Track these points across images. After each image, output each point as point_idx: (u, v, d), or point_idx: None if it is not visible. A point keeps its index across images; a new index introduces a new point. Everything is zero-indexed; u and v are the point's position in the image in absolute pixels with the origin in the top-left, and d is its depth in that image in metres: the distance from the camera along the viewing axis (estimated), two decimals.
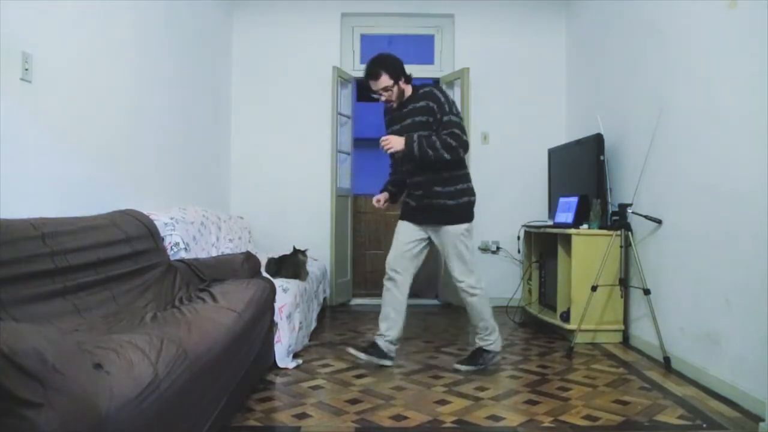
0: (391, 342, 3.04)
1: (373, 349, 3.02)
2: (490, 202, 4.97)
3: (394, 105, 2.99)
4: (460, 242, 2.97)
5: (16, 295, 1.78)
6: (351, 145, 5.19)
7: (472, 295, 2.99)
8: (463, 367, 2.98)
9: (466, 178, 3.04)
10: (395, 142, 2.85)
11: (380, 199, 3.16)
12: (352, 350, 3.04)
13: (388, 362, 3.01)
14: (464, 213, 3.01)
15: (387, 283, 3.07)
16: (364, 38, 5.23)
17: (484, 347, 3.01)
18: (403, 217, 3.11)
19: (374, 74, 2.90)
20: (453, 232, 2.96)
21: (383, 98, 2.96)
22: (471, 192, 3.04)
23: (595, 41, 4.40)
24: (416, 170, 2.98)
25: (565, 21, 5.04)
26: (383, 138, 2.89)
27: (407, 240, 3.05)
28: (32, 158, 2.26)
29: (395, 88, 2.93)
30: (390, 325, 3.03)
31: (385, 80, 2.89)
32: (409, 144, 2.83)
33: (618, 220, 3.39)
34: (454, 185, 2.96)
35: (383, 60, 2.93)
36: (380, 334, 3.05)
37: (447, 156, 2.82)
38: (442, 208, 2.95)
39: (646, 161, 3.31)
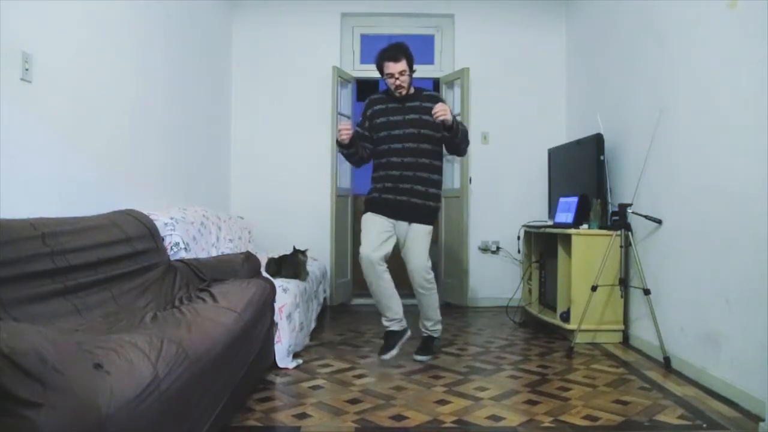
0: (402, 318, 3.16)
1: (399, 336, 3.12)
2: (490, 202, 4.99)
3: (403, 93, 3.07)
4: (428, 239, 3.14)
5: (16, 295, 1.78)
6: None
7: (430, 289, 3.17)
8: (422, 357, 3.16)
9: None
10: (446, 111, 2.89)
11: (348, 128, 3.03)
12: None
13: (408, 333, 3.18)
14: (437, 215, 3.26)
15: (384, 276, 3.05)
16: (364, 38, 5.23)
17: (434, 335, 3.27)
18: (372, 210, 3.13)
19: (396, 57, 3.00)
20: (425, 230, 3.13)
21: (398, 82, 3.01)
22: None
23: (595, 41, 4.40)
24: (409, 165, 3.06)
25: (565, 21, 5.04)
26: (441, 107, 2.89)
27: (381, 230, 3.08)
28: (32, 158, 2.26)
29: (408, 77, 3.06)
30: (398, 306, 3.13)
31: (403, 65, 3.01)
32: (454, 119, 2.98)
33: (618, 220, 3.39)
34: (438, 189, 3.17)
35: (404, 46, 3.06)
36: (396, 320, 3.13)
37: (464, 149, 3.18)
38: (424, 208, 3.11)
39: (646, 161, 3.31)
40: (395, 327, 3.12)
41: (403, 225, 3.10)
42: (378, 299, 3.11)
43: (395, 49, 3.02)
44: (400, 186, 3.07)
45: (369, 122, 3.17)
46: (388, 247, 3.08)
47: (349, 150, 3.11)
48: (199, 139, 4.23)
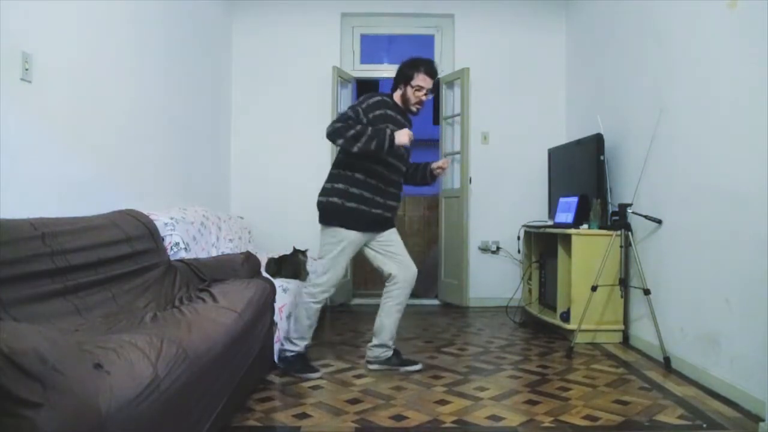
0: None
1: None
2: (490, 202, 4.99)
3: (420, 110, 2.99)
4: None
5: (16, 295, 1.78)
6: None
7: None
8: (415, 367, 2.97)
9: None
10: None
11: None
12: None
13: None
14: None
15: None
16: (364, 38, 5.23)
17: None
18: (353, 226, 2.85)
19: (434, 74, 2.95)
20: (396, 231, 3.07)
21: (423, 98, 2.94)
22: None
23: (595, 41, 4.40)
24: (396, 184, 2.98)
25: (565, 21, 5.04)
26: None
27: (352, 255, 2.96)
28: (32, 158, 2.26)
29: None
30: None
31: (432, 84, 2.96)
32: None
33: (618, 220, 3.39)
34: None
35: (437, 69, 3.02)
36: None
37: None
38: (396, 210, 3.06)
39: (646, 161, 3.31)
40: None
41: (371, 234, 2.95)
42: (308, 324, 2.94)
43: (434, 66, 2.93)
44: (388, 202, 2.94)
45: (372, 123, 2.81)
46: None
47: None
48: (199, 139, 4.23)
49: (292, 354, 2.90)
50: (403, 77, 2.94)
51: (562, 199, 4.07)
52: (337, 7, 5.05)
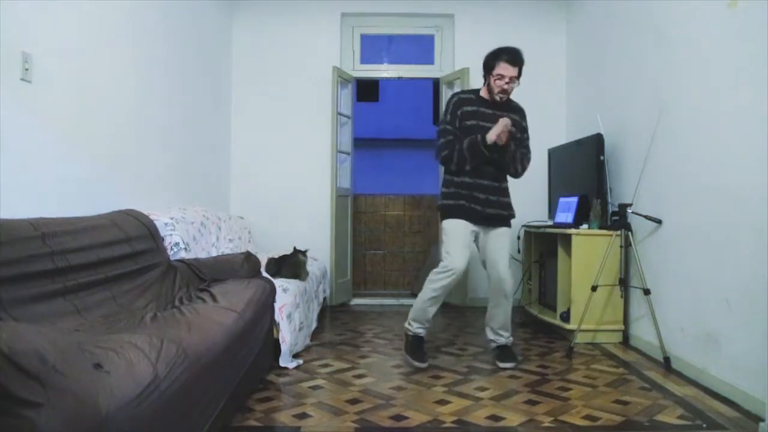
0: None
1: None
2: None
3: (504, 99, 3.04)
4: (509, 242, 3.28)
5: (16, 295, 1.78)
6: (351, 145, 5.19)
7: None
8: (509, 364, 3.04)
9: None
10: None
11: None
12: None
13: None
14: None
15: None
16: (364, 38, 5.23)
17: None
18: (459, 216, 3.02)
19: (514, 61, 2.95)
20: (507, 231, 3.25)
21: (505, 86, 2.98)
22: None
23: (595, 41, 4.40)
24: (496, 177, 3.07)
25: (565, 21, 5.05)
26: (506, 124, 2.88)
27: (468, 240, 3.06)
28: (32, 158, 2.27)
29: (516, 85, 3.03)
30: None
31: (516, 71, 2.97)
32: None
33: (618, 220, 3.39)
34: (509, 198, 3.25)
35: (522, 54, 3.00)
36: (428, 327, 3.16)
37: (521, 172, 3.13)
38: (507, 217, 3.22)
39: (646, 161, 3.31)
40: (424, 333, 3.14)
41: (484, 229, 3.10)
42: (432, 308, 3.06)
43: (515, 54, 2.95)
44: (491, 198, 3.04)
45: (459, 123, 3.01)
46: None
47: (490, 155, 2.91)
48: (199, 138, 4.23)
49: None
50: (486, 68, 3.05)
51: (562, 199, 4.07)
52: (337, 7, 5.05)
